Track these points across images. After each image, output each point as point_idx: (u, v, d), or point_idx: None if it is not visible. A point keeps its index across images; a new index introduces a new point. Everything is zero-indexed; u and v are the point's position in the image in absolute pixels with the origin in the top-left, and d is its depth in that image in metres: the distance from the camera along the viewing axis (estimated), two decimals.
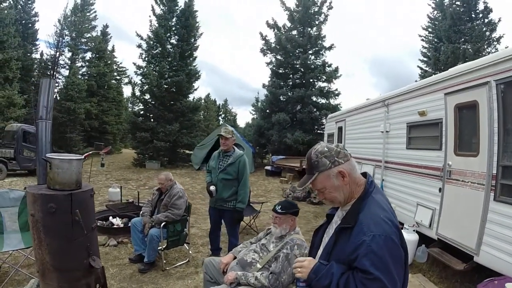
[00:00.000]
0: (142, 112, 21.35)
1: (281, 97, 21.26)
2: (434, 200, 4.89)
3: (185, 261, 4.99)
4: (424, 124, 5.42)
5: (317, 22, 21.11)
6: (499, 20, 18.23)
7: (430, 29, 21.34)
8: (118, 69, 34.07)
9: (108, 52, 30.20)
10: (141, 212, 5.06)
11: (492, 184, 3.80)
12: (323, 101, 21.34)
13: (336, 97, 21.46)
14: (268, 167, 17.83)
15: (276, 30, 21.72)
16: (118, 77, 33.63)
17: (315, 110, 20.40)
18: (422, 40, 21.75)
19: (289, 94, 21.02)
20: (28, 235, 4.11)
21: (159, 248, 4.65)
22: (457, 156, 4.54)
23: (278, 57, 21.84)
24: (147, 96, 20.69)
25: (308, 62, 20.45)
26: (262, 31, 21.99)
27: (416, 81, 20.80)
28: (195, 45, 21.57)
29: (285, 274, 2.61)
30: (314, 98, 21.07)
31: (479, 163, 4.06)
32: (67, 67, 26.88)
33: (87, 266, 3.17)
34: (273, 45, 21.76)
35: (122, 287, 4.08)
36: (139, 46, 20.37)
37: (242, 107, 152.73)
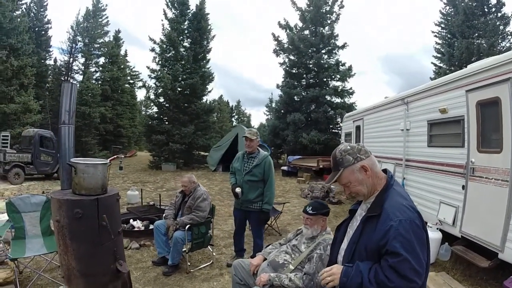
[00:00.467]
0: (156, 115, 21.54)
1: (295, 97, 21.32)
2: (457, 197, 4.88)
3: (209, 263, 5.00)
4: (445, 122, 5.42)
5: (329, 21, 21.12)
6: None
7: (443, 25, 21.01)
8: (131, 73, 34.54)
9: (121, 57, 30.65)
10: (164, 215, 5.05)
11: None
12: (338, 100, 21.34)
13: (350, 95, 21.47)
14: (285, 167, 17.81)
15: (288, 31, 21.80)
16: (131, 81, 34.12)
17: (330, 109, 20.36)
18: (435, 36, 21.43)
19: (303, 94, 21.04)
20: (50, 240, 4.20)
21: (183, 250, 4.63)
22: (480, 153, 4.54)
23: (291, 57, 21.90)
24: (162, 99, 20.95)
25: (322, 61, 20.48)
26: (275, 32, 22.31)
27: (430, 77, 20.71)
28: (207, 48, 21.77)
29: (317, 274, 2.63)
30: (328, 98, 21.07)
31: (503, 159, 4.06)
32: (80, 72, 27.32)
33: (114, 271, 3.16)
34: (285, 45, 21.82)
35: None
36: (153, 50, 20.65)
37: (255, 108, 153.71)
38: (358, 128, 10.39)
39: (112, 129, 26.13)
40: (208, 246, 5.10)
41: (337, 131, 21.41)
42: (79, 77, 26.89)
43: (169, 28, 20.53)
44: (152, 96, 21.14)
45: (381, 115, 8.37)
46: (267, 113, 36.57)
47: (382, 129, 8.25)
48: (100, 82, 27.11)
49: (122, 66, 29.94)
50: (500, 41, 17.83)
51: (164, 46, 20.65)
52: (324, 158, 14.80)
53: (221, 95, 55.75)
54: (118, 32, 31.23)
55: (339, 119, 20.85)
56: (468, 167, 4.71)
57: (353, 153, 1.89)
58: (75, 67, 27.24)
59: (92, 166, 3.07)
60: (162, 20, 20.92)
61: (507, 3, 18.17)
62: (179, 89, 19.92)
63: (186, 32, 21.16)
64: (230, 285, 4.03)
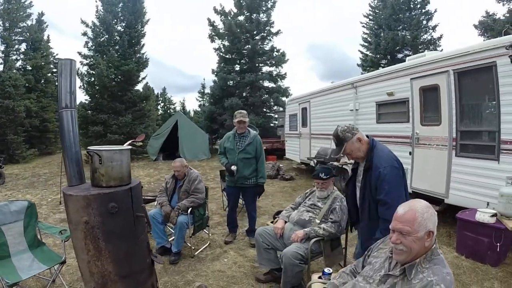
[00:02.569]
0: (92, 105, 19.90)
1: (230, 82, 21.69)
2: (406, 162, 5.98)
3: (206, 245, 5.09)
4: (393, 103, 6.73)
5: (264, 8, 21.71)
6: (435, 11, 20.42)
7: (371, 17, 22.90)
8: (54, 61, 31.57)
9: (43, 43, 27.13)
10: (157, 203, 4.89)
11: (453, 145, 5.19)
12: (272, 85, 22.22)
13: (282, 80, 22.44)
14: None
15: (223, 17, 21.97)
16: (54, 70, 31.27)
17: (265, 93, 21.30)
18: (363, 26, 23.30)
19: (238, 79, 21.49)
20: (41, 252, 3.78)
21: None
22: (423, 126, 5.90)
23: (226, 43, 22.19)
24: (95, 88, 19.53)
25: (257, 47, 21.12)
26: (210, 17, 22.17)
27: (357, 64, 22.83)
28: (142, 32, 20.95)
29: (343, 221, 3.50)
30: (263, 83, 21.94)
31: (442, 130, 5.42)
32: (0, 60, 23.33)
33: (149, 265, 3.02)
34: (221, 31, 22.03)
35: (165, 282, 3.90)
36: (85, 34, 19.31)
37: (179, 95, 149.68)
38: (304, 109, 11.48)
39: (38, 123, 23.47)
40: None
41: (271, 114, 22.54)
42: None
43: (103, 11, 19.30)
44: (84, 85, 19.58)
45: (329, 98, 9.56)
46: (200, 99, 36.97)
47: (331, 110, 9.43)
48: (21, 71, 23.90)
49: (45, 53, 26.55)
50: (422, 34, 20.28)
51: (97, 30, 19.39)
52: (266, 140, 15.40)
53: (146, 82, 53.83)
54: (41, 14, 27.33)
55: (272, 103, 21.97)
56: (414, 137, 6.05)
57: (349, 130, 2.65)
58: None
59: (119, 153, 2.78)
60: (96, 1, 19.59)
61: (431, 1, 20.96)
62: (113, 76, 18.95)
63: (120, 15, 20.05)
64: (239, 259, 4.56)
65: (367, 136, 2.75)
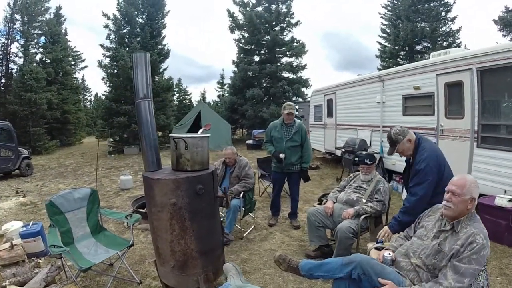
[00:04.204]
0: (115, 96, 20.05)
1: (250, 73, 21.99)
2: None
3: (252, 227, 5.43)
4: (419, 96, 7.29)
5: None
6: (454, 2, 20.49)
7: (389, 8, 23.06)
8: (72, 53, 31.70)
9: (62, 36, 27.78)
10: None
11: (475, 137, 5.78)
12: (292, 75, 22.55)
13: (302, 71, 22.69)
14: (250, 141, 18.72)
15: (241, 8, 22.29)
16: (73, 62, 31.44)
17: (286, 84, 21.64)
18: (382, 17, 23.53)
19: (258, 70, 21.78)
20: (105, 237, 3.88)
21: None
22: (448, 119, 6.49)
23: (245, 34, 22.53)
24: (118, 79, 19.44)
25: (278, 38, 21.39)
26: (230, 8, 22.50)
27: (376, 55, 23.06)
28: (163, 23, 21.35)
29: (386, 200, 4.12)
30: (283, 74, 22.29)
31: (465, 123, 6.03)
32: (20, 55, 24.29)
33: (222, 243, 3.32)
34: (240, 22, 22.31)
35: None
36: (106, 26, 19.70)
37: (193, 85, 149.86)
38: (330, 101, 11.99)
39: (59, 115, 23.99)
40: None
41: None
42: (19, 61, 24.17)
43: (124, 3, 19.61)
44: (108, 77, 19.95)
45: (356, 90, 10.07)
46: (219, 90, 37.40)
47: (358, 101, 9.95)
48: (41, 65, 24.27)
49: (63, 47, 27.13)
50: (441, 26, 20.39)
51: (119, 22, 19.78)
52: None
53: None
54: (59, 8, 28.27)
55: (291, 93, 22.25)
56: (438, 129, 6.64)
57: (401, 133, 3.24)
58: (13, 49, 24.28)
59: (202, 140, 3.03)
60: None
61: None
62: None
63: (140, 7, 20.46)
64: (285, 239, 4.96)
65: (415, 134, 3.37)
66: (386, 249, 2.78)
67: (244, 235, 5.07)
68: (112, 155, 16.91)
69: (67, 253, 3.03)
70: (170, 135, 3.08)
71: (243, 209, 4.98)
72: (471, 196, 2.30)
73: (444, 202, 2.42)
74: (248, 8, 22.24)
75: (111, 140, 18.44)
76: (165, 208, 2.79)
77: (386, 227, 3.29)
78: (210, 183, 2.99)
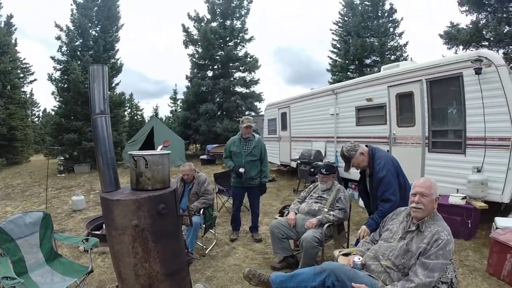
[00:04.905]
0: (65, 112, 18.87)
1: (203, 88, 21.82)
2: None
3: (214, 243, 5.31)
4: (371, 107, 7.58)
5: (238, 15, 22.21)
6: (402, 19, 21.98)
7: (340, 24, 24.04)
8: (22, 65, 29.30)
9: (11, 47, 25.16)
10: None
11: (426, 142, 6.09)
12: (246, 90, 22.72)
13: (255, 85, 22.91)
14: (204, 156, 18.39)
15: (196, 23, 22.26)
16: (22, 75, 28.98)
17: (240, 99, 21.75)
18: (333, 33, 24.40)
19: (211, 85, 21.63)
20: (60, 264, 3.60)
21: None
22: (399, 128, 6.78)
23: (199, 49, 22.45)
24: (69, 94, 18.25)
25: (231, 53, 21.51)
26: (184, 23, 22.40)
27: (327, 69, 23.77)
28: (117, 37, 20.68)
29: (347, 208, 4.19)
30: (237, 88, 22.44)
31: (416, 130, 6.32)
32: None
33: (187, 263, 3.22)
34: (195, 37, 22.24)
35: None
36: (59, 38, 18.58)
37: (144, 100, 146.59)
38: (284, 114, 12.16)
39: (5, 132, 21.72)
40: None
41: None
42: None
43: (78, 14, 18.65)
44: (58, 91, 18.63)
45: (309, 103, 10.31)
46: (172, 105, 36.91)
47: (312, 114, 10.17)
48: None
49: (12, 58, 24.45)
50: (389, 41, 21.67)
51: (72, 34, 18.76)
52: None
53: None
54: (10, 17, 26.06)
55: (244, 108, 22.28)
56: (391, 137, 6.92)
57: (353, 148, 3.41)
58: None
59: (161, 157, 2.91)
60: (71, 5, 18.91)
61: (398, 10, 22.08)
62: (87, 81, 17.89)
63: (95, 19, 19.60)
64: (249, 253, 4.90)
65: (367, 146, 3.52)
66: (354, 254, 2.79)
67: (206, 252, 4.96)
68: (63, 174, 15.93)
69: (21, 285, 2.74)
70: (129, 152, 2.92)
71: (204, 226, 4.91)
72: (436, 196, 2.44)
73: (413, 205, 2.48)
74: (202, 23, 22.19)
75: (62, 158, 17.29)
76: (127, 231, 2.62)
77: (364, 226, 3.33)
78: (172, 201, 2.88)
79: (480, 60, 5.09)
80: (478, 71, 5.09)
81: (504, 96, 4.93)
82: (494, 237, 3.92)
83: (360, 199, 4.82)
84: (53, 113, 21.36)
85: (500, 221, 4.57)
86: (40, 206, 8.63)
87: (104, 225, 5.16)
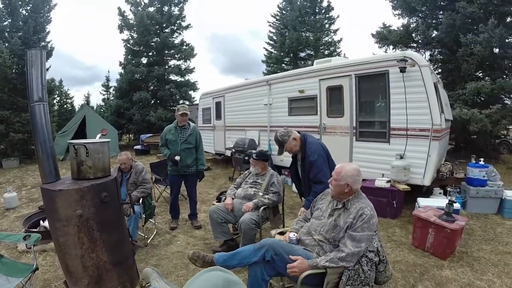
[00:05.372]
0: None
1: (137, 75, 21.17)
2: None
3: (155, 232, 5.30)
4: (303, 98, 7.98)
5: (176, 1, 21.67)
6: (338, 16, 23.03)
7: (277, 17, 24.22)
8: None
9: None
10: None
11: (354, 132, 6.61)
12: (180, 78, 22.37)
13: (190, 74, 22.67)
14: (138, 146, 17.88)
15: (133, 7, 21.39)
16: None
17: (175, 87, 21.34)
18: (270, 26, 24.55)
19: (145, 72, 21.02)
20: (1, 265, 3.30)
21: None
22: (329, 118, 7.25)
23: (134, 34, 21.58)
24: None
25: (167, 41, 21.06)
26: (121, 7, 21.25)
27: (262, 60, 24.23)
28: (48, 17, 18.53)
29: (281, 191, 4.43)
30: (172, 77, 22.02)
31: (344, 121, 6.81)
32: None
33: (132, 251, 3.23)
34: (131, 21, 21.31)
35: None
36: None
37: (74, 88, 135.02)
38: (218, 104, 12.25)
39: None
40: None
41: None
42: None
43: None
44: None
45: (244, 93, 10.50)
46: (104, 93, 34.88)
47: (246, 104, 10.38)
48: None
49: None
50: (324, 36, 22.57)
51: (0, 13, 16.38)
52: None
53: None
54: None
55: (178, 97, 21.92)
56: (321, 127, 7.37)
57: (286, 134, 3.62)
58: None
59: (102, 145, 2.89)
60: None
61: (335, 8, 23.36)
62: (15, 66, 16.12)
63: None
64: (190, 240, 4.99)
65: (299, 132, 3.76)
66: (290, 231, 3.03)
67: (148, 241, 4.95)
68: None
69: None
70: (69, 141, 2.90)
71: (144, 215, 4.87)
72: (345, 182, 2.68)
73: (330, 185, 2.81)
74: (139, 8, 21.33)
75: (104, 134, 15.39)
76: (71, 221, 2.60)
77: (302, 208, 3.59)
78: (114, 190, 2.89)
79: (405, 60, 5.64)
80: (402, 70, 5.65)
81: (426, 92, 5.54)
82: (417, 214, 4.43)
83: (293, 184, 5.10)
84: None
85: (422, 201, 5.21)
86: None
87: (46, 218, 4.94)
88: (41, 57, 2.83)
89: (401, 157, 5.80)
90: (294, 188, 6.51)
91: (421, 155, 5.66)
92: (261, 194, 4.39)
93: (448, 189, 5.71)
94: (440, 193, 5.94)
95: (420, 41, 12.99)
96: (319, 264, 2.47)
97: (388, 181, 5.65)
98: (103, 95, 35.01)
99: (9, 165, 15.42)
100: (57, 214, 2.63)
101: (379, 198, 5.52)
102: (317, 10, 23.03)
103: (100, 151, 2.84)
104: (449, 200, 4.23)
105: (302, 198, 4.08)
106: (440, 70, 13.24)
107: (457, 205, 4.65)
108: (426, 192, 6.02)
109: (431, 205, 4.81)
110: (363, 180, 5.87)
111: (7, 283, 3.05)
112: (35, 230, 4.89)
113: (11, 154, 16.20)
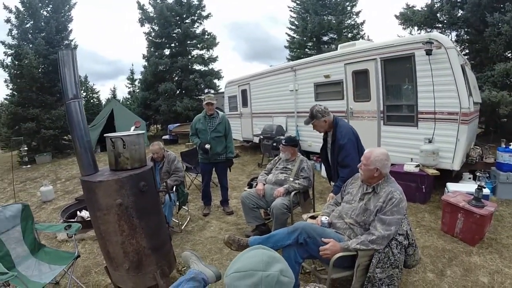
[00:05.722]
0: (20, 100, 17.21)
1: (161, 67, 21.44)
2: None
3: (188, 219, 5.48)
4: (329, 83, 7.96)
5: None
6: None
7: (298, 2, 23.59)
8: None
9: None
10: None
11: (381, 116, 6.58)
12: (204, 68, 22.47)
13: (213, 63, 22.64)
14: (166, 136, 18.10)
15: (151, 0, 21.55)
16: None
17: (199, 77, 21.53)
18: (291, 11, 24.03)
19: (169, 63, 21.21)
20: (44, 254, 3.56)
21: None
22: (356, 102, 7.23)
23: (155, 27, 21.84)
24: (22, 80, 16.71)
25: (189, 31, 21.20)
26: (140, 0, 21.43)
27: (285, 46, 23.93)
28: (70, 16, 19.12)
29: (311, 176, 4.51)
30: (195, 66, 22.13)
31: (371, 105, 6.79)
32: None
33: (169, 236, 3.34)
34: (151, 14, 21.56)
35: None
36: (8, 20, 17.01)
37: (99, 82, 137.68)
38: (244, 91, 12.34)
39: None
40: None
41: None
42: None
43: None
44: (12, 78, 16.96)
45: (269, 80, 10.53)
46: (129, 86, 35.56)
47: (272, 90, 10.43)
48: None
49: None
50: (346, 19, 21.92)
51: (22, 16, 17.13)
52: None
53: None
54: None
55: (203, 86, 21.98)
56: (348, 111, 7.37)
57: (321, 112, 3.64)
58: None
59: (137, 137, 3.01)
60: None
61: None
62: (41, 66, 16.88)
63: None
64: (223, 225, 5.15)
65: (333, 116, 3.80)
66: (322, 215, 3.14)
67: (182, 228, 5.13)
68: (29, 165, 14.95)
69: (14, 279, 2.71)
70: (106, 135, 3.00)
71: (177, 203, 5.04)
72: (374, 167, 2.74)
73: (359, 171, 2.88)
74: (158, 1, 21.48)
75: (25, 148, 16.05)
76: (112, 210, 2.74)
77: (331, 194, 3.65)
78: (151, 179, 3.01)
79: (431, 42, 5.52)
80: (428, 52, 5.53)
81: (453, 75, 5.43)
82: (446, 199, 4.39)
83: (323, 169, 5.16)
84: (6, 102, 19.51)
85: (451, 186, 5.17)
86: (7, 201, 8.26)
87: (85, 209, 5.42)
88: (72, 56, 2.92)
89: (430, 141, 5.74)
90: (323, 173, 6.61)
91: (450, 139, 5.58)
92: (291, 179, 4.48)
93: (478, 174, 5.60)
94: (469, 178, 5.86)
95: (445, 21, 12.48)
96: (350, 247, 2.58)
97: (417, 166, 5.62)
98: (129, 88, 35.64)
99: (42, 160, 16.16)
100: (97, 203, 2.77)
101: (408, 182, 5.51)
102: None
103: (136, 143, 2.95)
104: (478, 185, 4.16)
105: (331, 182, 4.15)
106: (467, 51, 12.69)
107: (486, 191, 4.56)
108: (456, 177, 5.94)
109: (461, 190, 4.76)
110: (392, 164, 5.98)
111: (50, 271, 3.25)
112: (72, 220, 5.11)
113: (43, 149, 16.93)
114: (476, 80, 8.67)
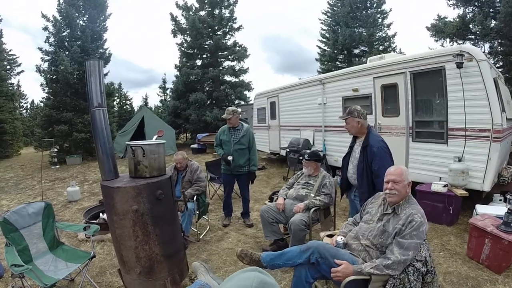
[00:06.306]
0: (55, 103, 18.24)
1: (193, 77, 21.88)
2: None
3: (207, 229, 5.50)
4: (357, 97, 7.79)
5: (226, 4, 22.12)
6: (390, 10, 22.08)
7: (329, 14, 23.92)
8: (8, 57, 28.48)
9: None
10: None
11: (410, 132, 6.34)
12: (235, 79, 22.78)
13: (244, 74, 23.03)
14: (195, 145, 18.35)
15: (185, 12, 22.16)
16: (8, 67, 28.19)
17: (229, 88, 21.83)
18: (322, 23, 24.31)
19: (200, 74, 21.64)
20: (61, 252, 3.74)
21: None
22: (384, 117, 7.01)
23: (188, 38, 22.37)
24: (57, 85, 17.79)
25: (220, 42, 21.53)
26: (173, 12, 22.25)
27: (316, 58, 23.94)
28: (105, 26, 20.04)
29: (332, 193, 4.40)
30: (226, 78, 22.49)
31: (400, 120, 6.56)
32: None
33: (183, 245, 3.43)
34: (183, 26, 22.16)
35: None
36: (45, 28, 18.05)
37: (133, 90, 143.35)
38: (273, 103, 12.33)
39: None
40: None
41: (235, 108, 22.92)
42: None
43: (65, 4, 18.05)
44: (48, 83, 18.01)
45: (297, 92, 10.48)
46: (161, 94, 36.58)
47: (300, 103, 10.36)
48: None
49: None
50: (377, 32, 21.73)
51: (59, 24, 18.16)
52: None
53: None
54: None
55: (233, 97, 22.37)
56: (377, 126, 7.15)
57: (359, 113, 3.63)
58: None
59: (157, 146, 3.06)
60: None
61: (387, 1, 22.25)
62: (76, 72, 17.67)
63: (82, 8, 18.92)
64: (241, 237, 5.11)
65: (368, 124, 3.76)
66: (338, 235, 3.02)
67: (201, 237, 5.15)
68: (58, 166, 15.71)
69: (29, 271, 2.87)
70: (127, 143, 3.10)
71: (197, 212, 5.09)
72: (408, 181, 2.67)
73: (386, 191, 2.72)
74: (191, 12, 22.06)
75: (56, 149, 16.96)
76: (127, 216, 2.81)
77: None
78: (168, 188, 3.05)
79: (461, 54, 5.29)
80: (459, 65, 5.30)
81: (485, 89, 5.17)
82: (473, 223, 4.13)
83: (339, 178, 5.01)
84: (42, 105, 20.81)
85: (480, 208, 4.83)
86: (35, 198, 8.65)
87: (105, 212, 5.34)
88: (98, 66, 3.04)
89: (460, 160, 5.46)
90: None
91: (481, 158, 5.28)
92: (312, 195, 4.40)
93: (508, 196, 5.24)
94: (500, 200, 5.49)
95: (478, 32, 12.12)
96: (364, 270, 2.45)
97: (445, 185, 5.33)
98: (160, 96, 36.83)
99: (73, 161, 17.05)
100: (114, 208, 2.86)
101: (435, 203, 5.22)
102: (368, 5, 22.21)
103: (156, 152, 3.01)
104: (508, 209, 3.88)
105: (342, 196, 4.11)
106: (501, 63, 12.20)
107: None
108: (486, 198, 5.62)
109: (490, 213, 4.46)
110: (420, 183, 5.73)
111: (65, 268, 3.41)
112: (95, 221, 5.23)
113: (74, 151, 17.81)
114: (510, 95, 8.25)
